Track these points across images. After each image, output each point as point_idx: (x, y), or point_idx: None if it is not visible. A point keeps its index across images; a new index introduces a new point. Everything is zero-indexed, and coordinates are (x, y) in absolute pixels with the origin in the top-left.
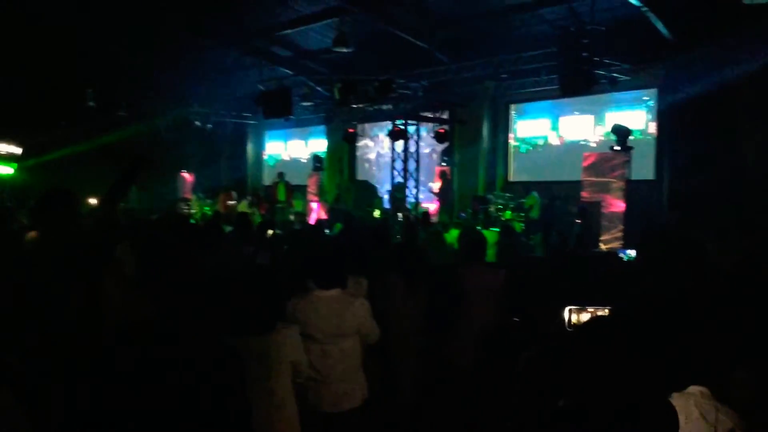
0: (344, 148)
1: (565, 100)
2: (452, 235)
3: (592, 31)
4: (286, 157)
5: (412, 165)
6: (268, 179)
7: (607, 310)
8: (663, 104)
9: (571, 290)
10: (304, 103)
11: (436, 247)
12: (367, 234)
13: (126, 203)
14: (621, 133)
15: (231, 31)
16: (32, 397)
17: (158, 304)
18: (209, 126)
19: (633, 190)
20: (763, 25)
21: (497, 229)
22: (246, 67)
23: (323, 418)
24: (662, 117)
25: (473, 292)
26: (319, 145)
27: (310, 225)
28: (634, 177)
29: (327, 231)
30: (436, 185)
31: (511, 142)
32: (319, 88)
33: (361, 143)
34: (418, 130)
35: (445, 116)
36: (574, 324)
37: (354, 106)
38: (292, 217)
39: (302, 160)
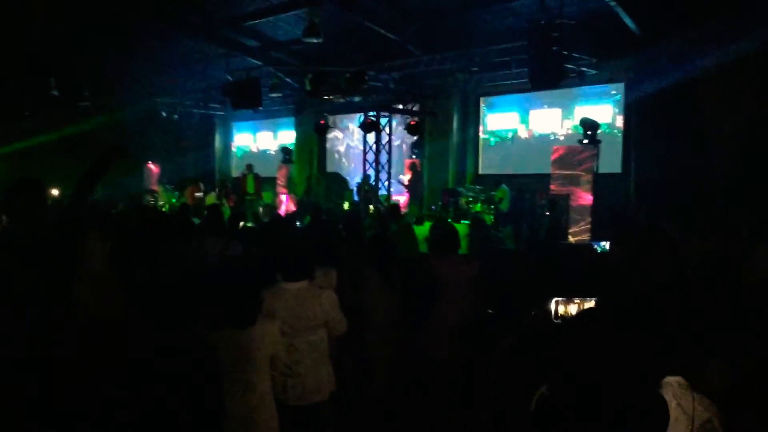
0: (314, 140)
1: (535, 94)
2: (426, 227)
3: (562, 25)
4: (254, 149)
5: (384, 157)
6: (236, 171)
7: (593, 302)
8: (630, 98)
9: (548, 282)
10: (273, 94)
11: (407, 240)
12: (335, 226)
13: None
14: (589, 126)
15: (198, 21)
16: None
17: (131, 298)
18: (175, 117)
19: (601, 183)
20: (728, 19)
21: (468, 222)
22: (214, 57)
23: (292, 411)
24: (629, 111)
25: (447, 283)
26: (287, 136)
27: (280, 217)
28: (601, 170)
29: (297, 223)
30: (406, 177)
31: (481, 135)
32: (288, 79)
33: (330, 135)
34: (390, 122)
35: (416, 109)
36: (562, 315)
37: (325, 97)
38: (261, 210)
39: (271, 152)
